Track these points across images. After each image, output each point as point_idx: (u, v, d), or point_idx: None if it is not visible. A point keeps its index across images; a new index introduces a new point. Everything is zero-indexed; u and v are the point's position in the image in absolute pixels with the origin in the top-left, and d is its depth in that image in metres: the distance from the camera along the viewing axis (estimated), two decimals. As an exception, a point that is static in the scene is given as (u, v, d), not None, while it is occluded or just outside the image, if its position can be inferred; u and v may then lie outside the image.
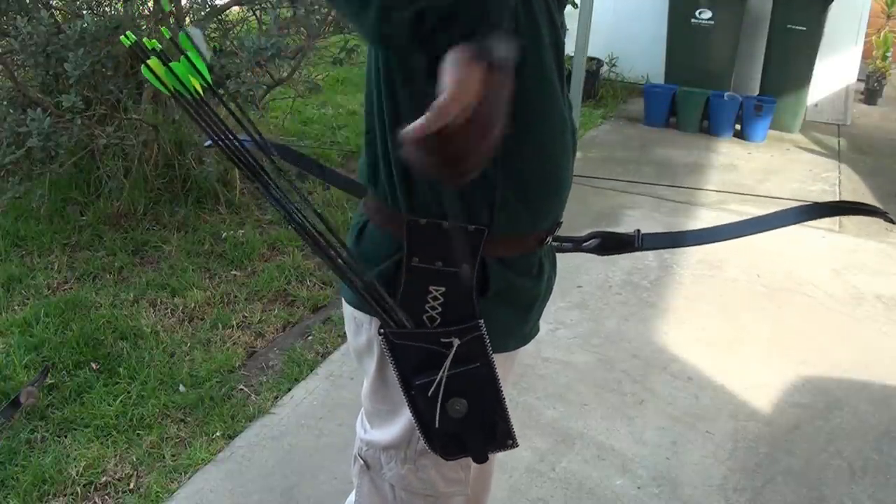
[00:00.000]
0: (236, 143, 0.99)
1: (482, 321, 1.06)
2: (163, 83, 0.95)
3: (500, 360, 1.15)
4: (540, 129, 1.04)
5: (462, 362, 1.06)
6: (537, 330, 1.24)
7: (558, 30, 1.03)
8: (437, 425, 1.07)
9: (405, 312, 1.05)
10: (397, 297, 1.05)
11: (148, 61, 0.94)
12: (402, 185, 1.04)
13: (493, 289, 1.08)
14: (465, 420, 1.08)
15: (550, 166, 1.08)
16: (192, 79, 0.96)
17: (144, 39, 0.95)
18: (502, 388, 1.10)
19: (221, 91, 3.36)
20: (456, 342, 1.05)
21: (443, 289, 1.05)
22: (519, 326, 1.18)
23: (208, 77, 0.97)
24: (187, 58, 0.94)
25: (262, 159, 1.02)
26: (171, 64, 0.94)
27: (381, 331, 1.06)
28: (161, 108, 3.61)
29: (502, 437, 1.12)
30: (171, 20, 0.86)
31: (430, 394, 1.05)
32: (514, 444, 1.14)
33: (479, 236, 1.04)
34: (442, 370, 1.05)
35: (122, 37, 0.93)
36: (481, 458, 1.13)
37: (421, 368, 1.06)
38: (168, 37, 0.94)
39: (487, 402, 1.09)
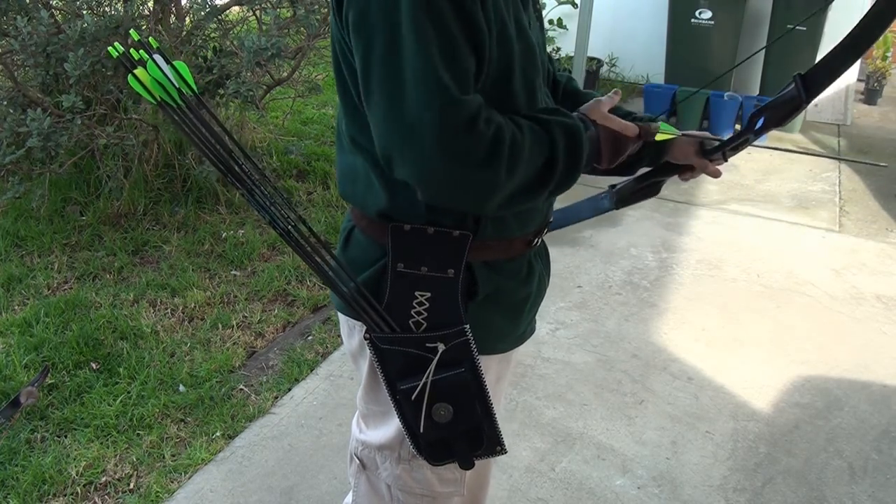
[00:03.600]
0: (222, 151, 1.00)
1: (468, 326, 1.06)
2: (149, 92, 0.95)
3: (493, 362, 1.15)
4: None
5: (447, 367, 1.06)
6: (532, 330, 1.24)
7: (528, 36, 1.03)
8: (421, 430, 1.07)
9: (391, 317, 1.05)
10: (383, 302, 1.05)
11: (135, 71, 0.94)
12: (386, 191, 1.04)
13: (482, 293, 1.08)
14: (451, 425, 1.07)
15: None
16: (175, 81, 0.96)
17: (132, 51, 0.95)
18: (490, 394, 1.10)
19: (221, 91, 3.33)
20: (441, 347, 1.05)
21: (428, 294, 1.05)
22: (510, 328, 1.17)
23: (193, 85, 0.98)
24: (155, 63, 0.95)
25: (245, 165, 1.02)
26: (155, 74, 0.94)
27: (367, 335, 1.06)
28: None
29: (490, 443, 1.12)
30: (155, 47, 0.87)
31: (414, 398, 1.05)
32: (503, 451, 1.13)
33: (464, 241, 1.04)
34: (426, 374, 1.04)
35: (109, 48, 0.94)
36: (467, 465, 1.13)
37: (406, 373, 1.06)
38: (137, 39, 0.94)
39: (473, 408, 1.08)
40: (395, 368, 1.07)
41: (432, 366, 1.05)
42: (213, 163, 0.99)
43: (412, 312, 1.06)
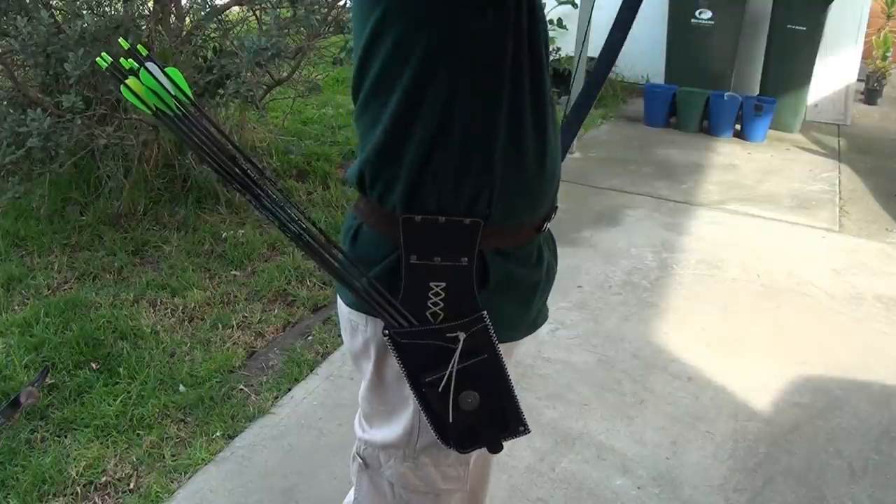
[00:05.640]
0: (224, 157, 0.99)
1: (485, 312, 1.06)
2: (143, 102, 0.94)
3: (506, 350, 1.16)
4: (536, 122, 1.05)
5: (470, 355, 1.06)
6: (545, 317, 1.25)
7: (546, 27, 1.04)
8: (451, 420, 1.07)
9: (408, 310, 1.05)
10: (399, 296, 1.05)
11: (127, 81, 0.93)
12: (402, 183, 1.04)
13: (494, 280, 1.08)
14: (478, 411, 1.08)
15: (546, 157, 1.08)
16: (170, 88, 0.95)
17: (121, 59, 0.94)
18: (510, 376, 1.11)
19: (221, 91, 3.33)
20: (462, 336, 1.05)
21: (443, 284, 1.05)
22: (522, 315, 1.18)
23: (188, 91, 0.97)
24: (148, 71, 0.94)
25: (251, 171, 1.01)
26: (148, 82, 0.94)
27: (386, 331, 1.06)
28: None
29: (514, 424, 1.14)
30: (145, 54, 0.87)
31: (441, 389, 1.05)
32: (527, 430, 1.15)
33: (476, 229, 1.04)
34: (451, 365, 1.05)
35: (98, 59, 0.93)
36: (496, 448, 1.15)
37: (429, 365, 1.06)
38: (126, 47, 0.93)
39: (498, 392, 1.10)
40: (418, 362, 1.07)
41: (456, 355, 1.05)
42: (215, 170, 0.99)
43: (428, 304, 1.05)
